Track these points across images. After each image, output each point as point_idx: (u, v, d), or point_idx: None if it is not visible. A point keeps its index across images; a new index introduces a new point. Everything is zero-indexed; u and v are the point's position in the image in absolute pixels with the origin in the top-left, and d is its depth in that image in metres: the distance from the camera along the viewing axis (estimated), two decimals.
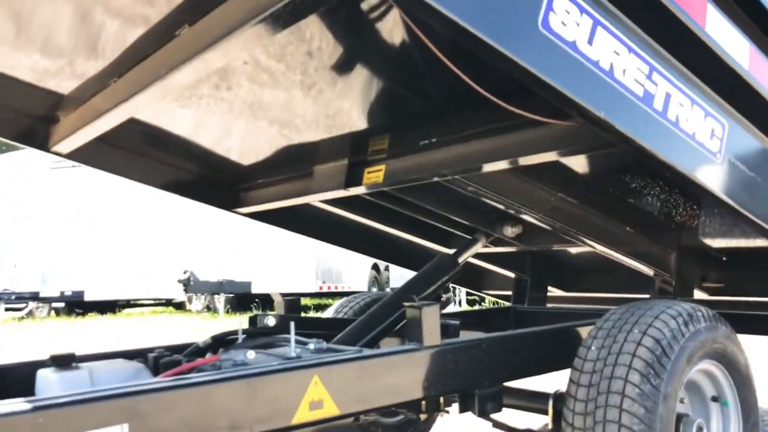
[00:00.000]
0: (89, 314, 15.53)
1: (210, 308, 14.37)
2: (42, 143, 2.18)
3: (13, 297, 14.20)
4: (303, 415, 1.45)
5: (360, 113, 2.13)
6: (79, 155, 2.23)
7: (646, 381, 1.63)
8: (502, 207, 2.33)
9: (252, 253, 12.78)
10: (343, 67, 1.83)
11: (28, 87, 1.96)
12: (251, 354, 1.60)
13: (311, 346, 1.71)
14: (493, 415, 1.94)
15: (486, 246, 2.79)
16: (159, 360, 1.75)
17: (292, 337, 1.67)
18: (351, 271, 14.15)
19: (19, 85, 1.94)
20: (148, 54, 1.66)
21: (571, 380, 1.78)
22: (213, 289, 12.94)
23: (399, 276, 13.60)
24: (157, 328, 10.32)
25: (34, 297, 14.59)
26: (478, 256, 3.19)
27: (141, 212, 15.79)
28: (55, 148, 2.16)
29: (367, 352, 1.64)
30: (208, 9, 1.42)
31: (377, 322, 2.08)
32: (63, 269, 14.51)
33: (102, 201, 14.88)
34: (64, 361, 1.64)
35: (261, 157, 2.59)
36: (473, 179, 2.13)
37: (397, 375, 1.65)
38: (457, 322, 2.53)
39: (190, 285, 12.54)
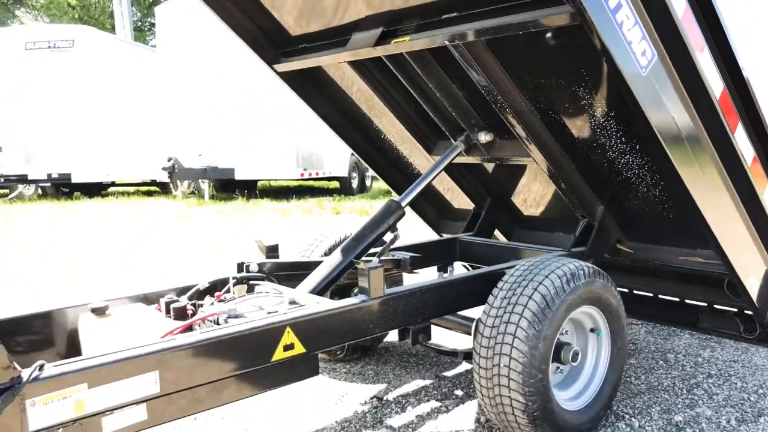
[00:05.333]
0: (75, 194, 16.07)
1: (194, 193, 14.92)
2: None
3: (2, 180, 14.57)
4: (279, 355, 2.03)
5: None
6: None
7: (532, 327, 2.23)
8: (487, 104, 2.86)
9: (235, 141, 13.10)
10: None
11: None
12: (243, 308, 2.17)
13: (285, 300, 2.26)
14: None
15: (461, 155, 3.31)
16: (170, 305, 2.30)
17: (271, 291, 2.22)
18: (332, 157, 14.59)
19: None
20: None
21: (479, 320, 2.38)
22: (197, 175, 13.42)
23: None
24: (144, 218, 10.86)
25: (22, 179, 14.98)
26: (455, 173, 3.72)
27: (126, 97, 15.85)
28: None
29: (326, 305, 2.20)
30: None
31: (334, 270, 2.63)
32: (49, 151, 14.76)
33: (86, 84, 14.86)
34: (101, 311, 2.20)
35: (309, 29, 3.17)
36: (473, 60, 2.65)
37: (351, 321, 2.23)
38: (408, 256, 3.11)
39: (174, 172, 12.97)
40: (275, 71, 3.46)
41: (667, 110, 2.38)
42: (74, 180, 15.05)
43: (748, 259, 2.92)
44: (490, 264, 3.36)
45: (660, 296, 3.55)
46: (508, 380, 2.23)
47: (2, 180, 14.67)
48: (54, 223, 10.17)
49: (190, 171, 13.28)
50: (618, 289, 2.66)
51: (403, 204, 2.92)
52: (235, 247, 7.08)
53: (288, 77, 3.50)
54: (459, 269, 3.73)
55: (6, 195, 16.05)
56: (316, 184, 18.10)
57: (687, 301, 3.44)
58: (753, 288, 2.96)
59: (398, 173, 4.04)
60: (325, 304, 2.22)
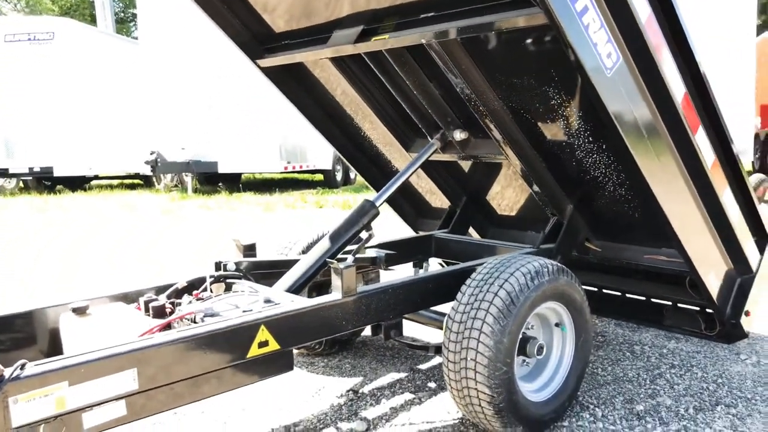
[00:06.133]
0: (58, 187, 16.00)
1: (178, 186, 14.91)
2: None
3: None
4: (254, 351, 2.12)
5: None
6: None
7: (497, 322, 2.33)
8: (462, 102, 2.97)
9: (217, 134, 13.10)
10: None
11: None
12: (219, 306, 2.25)
13: (260, 298, 2.35)
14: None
15: (437, 152, 3.41)
16: (149, 303, 2.38)
17: (247, 290, 2.30)
18: (315, 150, 14.62)
19: None
20: None
21: (449, 316, 2.48)
22: (180, 169, 13.41)
23: None
24: (126, 212, 10.85)
25: (3, 173, 14.88)
26: (432, 171, 3.82)
27: (108, 90, 15.75)
28: None
29: (299, 303, 2.29)
30: None
31: (310, 269, 2.72)
32: (31, 145, 14.68)
33: (67, 76, 14.75)
34: (81, 311, 2.27)
35: (292, 26, 3.27)
36: (449, 59, 2.75)
37: (324, 319, 2.32)
38: (383, 255, 3.20)
39: (157, 165, 12.95)
40: (258, 66, 3.54)
41: (630, 111, 2.50)
42: (56, 173, 14.97)
43: (708, 258, 3.06)
44: (464, 260, 3.48)
45: (627, 295, 3.68)
46: (475, 373, 2.34)
47: None
48: (36, 218, 10.14)
49: (173, 165, 13.28)
50: (587, 287, 2.77)
51: (377, 204, 3.01)
52: (214, 242, 7.14)
53: (271, 73, 3.58)
54: (434, 265, 3.83)
55: None
56: (300, 176, 18.12)
57: (652, 299, 3.58)
58: (713, 286, 3.09)
59: (377, 170, 4.14)
60: (299, 302, 2.31)
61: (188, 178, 13.77)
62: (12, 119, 14.74)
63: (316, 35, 3.20)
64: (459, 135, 3.27)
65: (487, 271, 2.51)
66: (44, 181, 16.40)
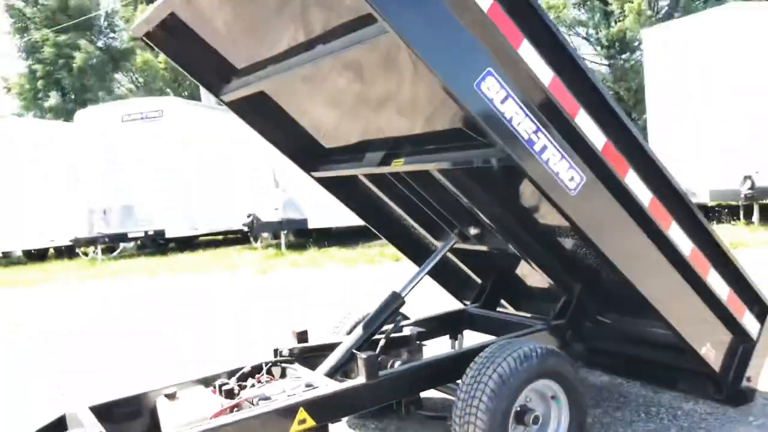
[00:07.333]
0: (170, 246, 17.72)
1: (275, 241, 16.16)
2: (217, 92, 3.76)
3: (107, 239, 16.32)
4: (295, 428, 2.78)
5: (400, 130, 3.46)
6: (232, 105, 3.79)
7: (491, 400, 2.87)
8: (469, 209, 3.60)
9: (306, 195, 14.20)
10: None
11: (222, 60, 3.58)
12: (271, 391, 2.95)
13: (303, 383, 3.02)
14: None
15: (457, 243, 4.03)
16: (221, 387, 3.11)
17: (293, 376, 2.98)
18: None
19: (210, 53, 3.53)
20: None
21: (457, 393, 3.03)
22: (274, 228, 14.60)
23: None
24: (228, 271, 12.00)
25: (123, 238, 16.71)
26: (459, 256, 4.41)
27: (211, 157, 17.40)
28: (222, 97, 3.75)
29: (332, 387, 2.94)
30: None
31: (344, 356, 3.35)
32: (145, 212, 16.46)
33: (174, 148, 16.51)
34: (172, 396, 3.03)
35: (337, 144, 4.03)
36: (453, 180, 3.41)
37: (351, 399, 2.96)
38: (416, 332, 3.79)
39: (254, 227, 14.19)
40: (312, 177, 4.28)
41: (600, 220, 2.99)
42: (168, 235, 16.68)
43: (701, 333, 3.41)
44: (491, 333, 4.02)
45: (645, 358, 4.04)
46: None
47: (107, 240, 16.49)
48: (148, 283, 11.48)
49: (268, 224, 14.50)
50: (610, 350, 3.16)
51: (403, 294, 3.63)
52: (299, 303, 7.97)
53: (322, 181, 4.32)
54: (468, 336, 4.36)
55: (113, 251, 17.92)
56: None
57: (668, 363, 3.92)
58: (710, 356, 3.44)
59: (414, 249, 4.75)
60: (332, 387, 2.96)
61: (282, 237, 14.95)
62: (129, 189, 16.61)
63: (354, 153, 3.91)
64: (473, 230, 3.85)
65: (486, 356, 3.05)
66: (159, 240, 18.28)
